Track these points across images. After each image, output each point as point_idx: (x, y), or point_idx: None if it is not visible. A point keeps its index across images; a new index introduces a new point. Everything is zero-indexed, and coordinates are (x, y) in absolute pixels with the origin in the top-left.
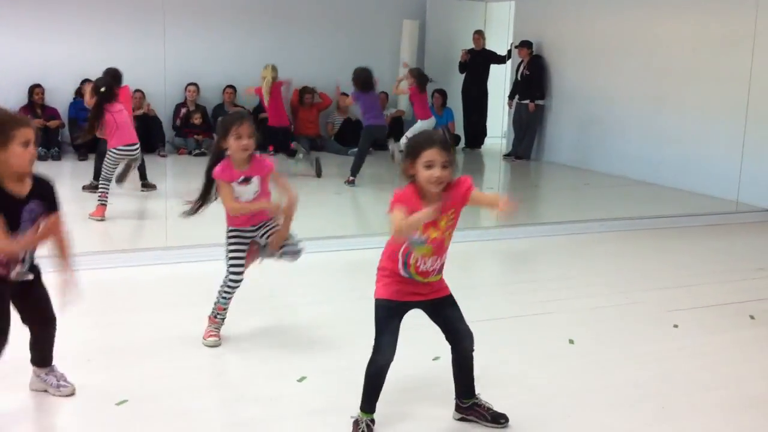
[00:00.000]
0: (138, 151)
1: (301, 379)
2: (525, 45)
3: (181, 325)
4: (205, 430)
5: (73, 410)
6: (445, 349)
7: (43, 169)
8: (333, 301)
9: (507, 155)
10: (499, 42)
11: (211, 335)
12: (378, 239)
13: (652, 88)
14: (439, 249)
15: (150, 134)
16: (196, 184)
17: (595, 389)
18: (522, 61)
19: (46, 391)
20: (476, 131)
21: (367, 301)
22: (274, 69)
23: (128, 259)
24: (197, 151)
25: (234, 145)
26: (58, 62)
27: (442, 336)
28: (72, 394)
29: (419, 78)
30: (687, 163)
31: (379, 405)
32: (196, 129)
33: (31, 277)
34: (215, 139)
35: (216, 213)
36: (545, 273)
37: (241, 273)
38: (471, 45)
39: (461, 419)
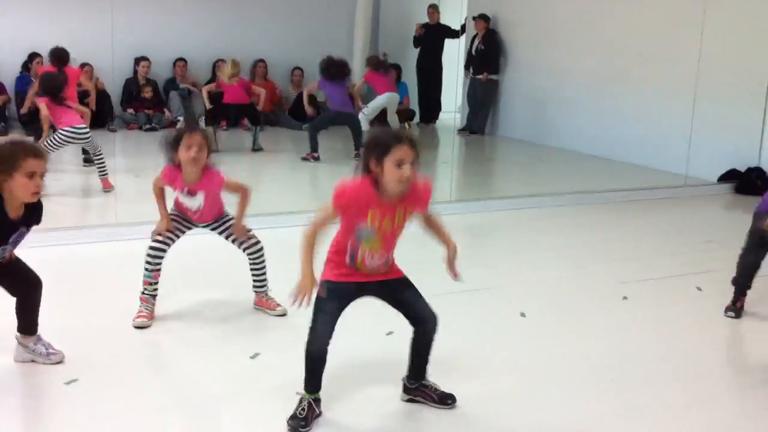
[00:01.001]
0: (87, 134)
1: (254, 356)
2: (482, 18)
3: (132, 302)
4: (157, 408)
5: (22, 390)
6: (399, 324)
7: None
8: (286, 278)
9: (461, 130)
10: (453, 16)
11: (139, 316)
12: None
13: (605, 65)
14: (387, 244)
15: (99, 109)
16: (146, 160)
17: (546, 362)
18: (476, 35)
19: (33, 361)
20: (431, 106)
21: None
22: (236, 65)
23: (77, 237)
24: (147, 126)
25: (184, 156)
26: (4, 36)
27: (393, 310)
28: (61, 361)
29: (375, 65)
30: (638, 139)
31: (328, 383)
32: (147, 103)
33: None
34: (168, 153)
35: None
36: (498, 247)
37: (162, 244)
38: (425, 19)
39: (409, 400)
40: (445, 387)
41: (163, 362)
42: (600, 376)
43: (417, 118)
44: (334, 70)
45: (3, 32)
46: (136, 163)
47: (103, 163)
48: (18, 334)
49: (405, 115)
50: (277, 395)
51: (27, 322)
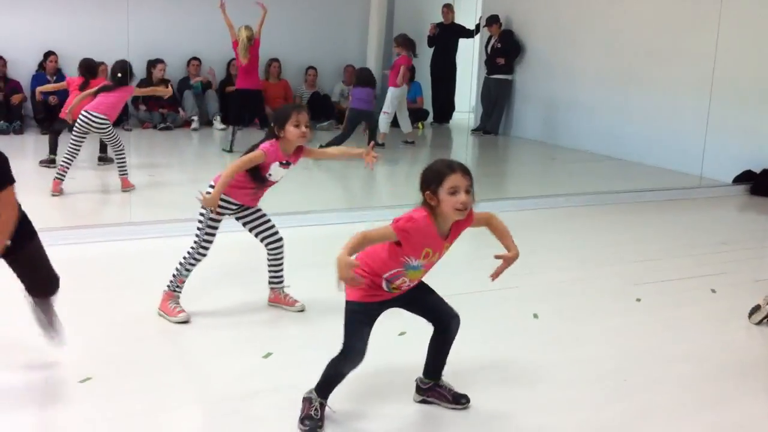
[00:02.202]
0: (107, 126)
1: (266, 356)
2: (493, 21)
3: (145, 301)
4: (170, 407)
5: (36, 387)
6: (411, 324)
7: (5, 143)
8: (300, 277)
9: (475, 130)
10: (467, 16)
11: (179, 311)
12: (345, 214)
13: (620, 64)
14: (427, 271)
15: None
16: (161, 158)
17: (559, 363)
18: (491, 36)
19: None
20: (444, 106)
21: (327, 277)
22: (248, 29)
23: (92, 235)
24: (162, 125)
25: (293, 132)
26: (20, 35)
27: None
28: (58, 344)
29: (409, 44)
30: (652, 139)
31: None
32: (162, 102)
33: (8, 243)
34: (271, 133)
35: (180, 190)
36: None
37: (209, 249)
38: (440, 19)
39: (422, 401)
40: (457, 387)
41: (176, 361)
42: (613, 377)
43: (430, 118)
44: (365, 75)
45: (19, 32)
46: (151, 161)
47: (124, 162)
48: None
49: (418, 115)
50: (288, 395)
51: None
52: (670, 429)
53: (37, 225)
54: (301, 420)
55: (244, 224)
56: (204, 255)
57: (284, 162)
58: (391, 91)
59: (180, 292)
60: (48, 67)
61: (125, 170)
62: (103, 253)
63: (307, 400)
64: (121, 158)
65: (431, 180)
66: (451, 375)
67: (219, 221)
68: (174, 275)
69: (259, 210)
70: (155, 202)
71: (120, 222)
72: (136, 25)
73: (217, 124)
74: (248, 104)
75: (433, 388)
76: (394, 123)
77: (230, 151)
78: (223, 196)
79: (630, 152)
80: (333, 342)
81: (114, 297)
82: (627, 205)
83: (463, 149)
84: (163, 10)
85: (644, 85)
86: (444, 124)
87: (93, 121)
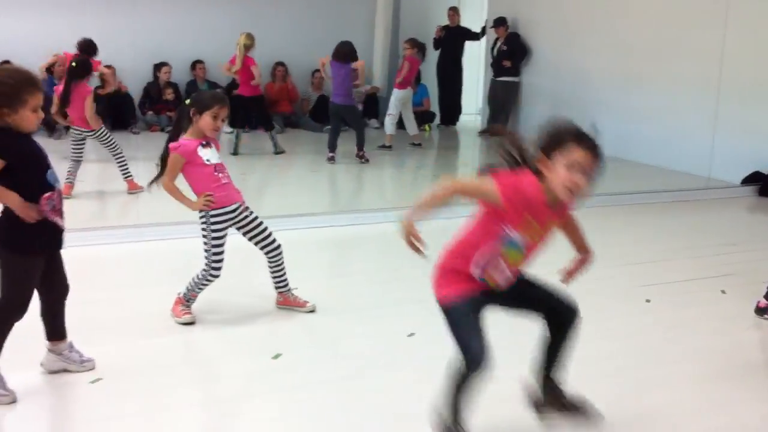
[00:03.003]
0: (93, 134)
1: (276, 357)
2: (501, 23)
3: (153, 302)
4: (178, 407)
5: (46, 389)
6: (420, 325)
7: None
8: (308, 279)
9: (482, 132)
10: (473, 18)
11: (185, 313)
12: (353, 216)
13: (626, 64)
14: (528, 259)
15: (122, 111)
16: None
17: (569, 363)
18: (498, 38)
19: (65, 371)
20: (451, 108)
21: (343, 278)
22: (249, 37)
23: (99, 237)
24: (170, 128)
25: (209, 124)
26: (26, 38)
27: (416, 310)
28: (93, 368)
29: (420, 46)
30: (660, 140)
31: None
32: (169, 105)
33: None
34: (185, 111)
35: (186, 193)
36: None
37: (221, 268)
38: (446, 21)
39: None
40: None
41: (184, 362)
42: (622, 378)
43: (437, 120)
44: (347, 49)
45: (25, 35)
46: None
47: (124, 164)
48: (48, 343)
49: (425, 117)
50: (297, 395)
51: (55, 326)
52: (679, 429)
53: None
54: None
55: (243, 234)
56: (216, 275)
57: (204, 143)
58: (395, 93)
59: (192, 303)
60: (56, 71)
61: (128, 173)
62: (111, 254)
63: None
64: (120, 161)
65: (553, 141)
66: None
67: (223, 237)
68: (188, 288)
69: (255, 219)
70: (162, 204)
71: (128, 224)
72: (142, 28)
73: (224, 127)
74: (249, 109)
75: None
76: (400, 125)
77: (235, 153)
78: (216, 212)
79: (637, 153)
80: (343, 341)
81: (121, 297)
82: (635, 206)
83: (470, 151)
84: (167, 13)
85: (652, 85)
86: (451, 126)
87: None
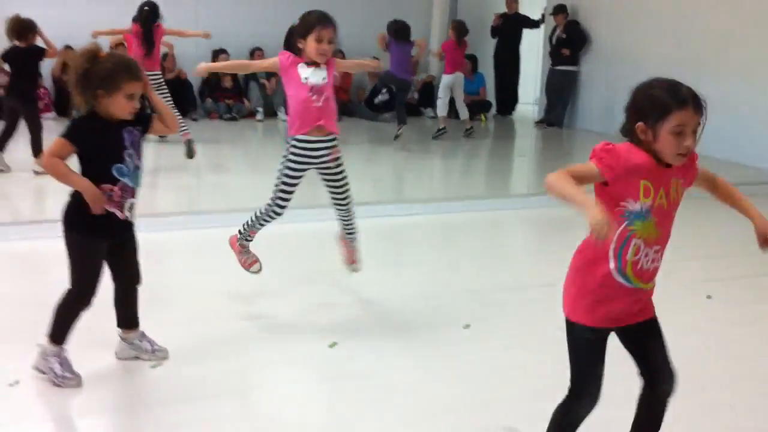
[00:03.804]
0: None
1: (332, 345)
2: (560, 10)
3: (219, 289)
4: (238, 393)
5: (116, 372)
6: (475, 317)
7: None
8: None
9: (539, 122)
10: (532, 6)
11: (252, 262)
12: (412, 206)
13: (690, 52)
14: (665, 229)
15: (181, 98)
16: (227, 149)
17: (625, 359)
18: (556, 26)
19: (137, 358)
20: (508, 97)
21: (391, 268)
22: None
23: (164, 224)
24: (228, 116)
25: (313, 49)
26: (86, 24)
27: (473, 302)
28: (166, 358)
29: (458, 30)
30: (723, 131)
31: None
32: (228, 93)
33: (133, 220)
34: (292, 43)
35: (245, 181)
36: (576, 242)
37: (287, 204)
38: (504, 9)
39: None
40: (505, 384)
41: (241, 349)
42: (681, 374)
43: (493, 110)
44: (402, 26)
45: (85, 22)
46: (216, 152)
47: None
48: (120, 330)
49: (481, 106)
50: (348, 383)
51: (128, 315)
52: (740, 427)
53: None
54: None
55: (322, 178)
56: (280, 212)
57: (309, 62)
58: (442, 78)
59: (251, 241)
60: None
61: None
62: (172, 240)
63: None
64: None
65: (650, 110)
66: (505, 370)
67: (299, 170)
68: (246, 225)
69: (340, 173)
70: (220, 193)
71: (188, 211)
72: (204, 16)
73: (281, 114)
74: None
75: None
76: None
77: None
78: (299, 138)
79: (701, 145)
80: (391, 331)
81: (182, 284)
82: (696, 200)
83: (526, 141)
84: (227, 1)
85: (714, 72)
86: (507, 115)
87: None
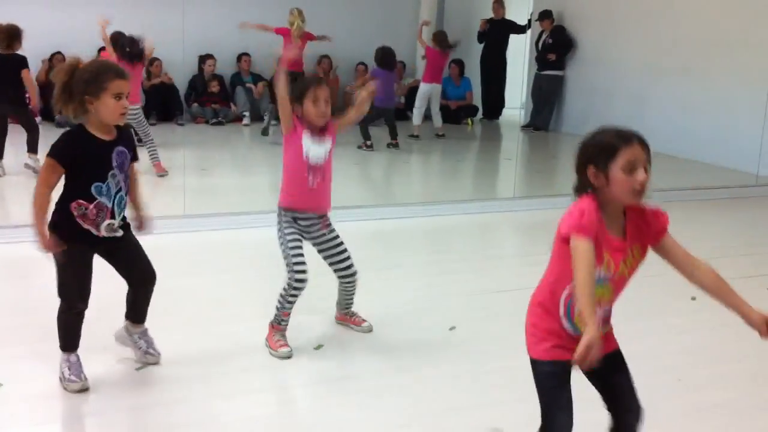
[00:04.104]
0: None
1: (318, 347)
2: (546, 16)
3: (211, 291)
4: (217, 395)
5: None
6: (462, 319)
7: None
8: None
9: (525, 126)
10: (519, 12)
11: (282, 345)
12: (399, 209)
13: (674, 59)
14: (617, 290)
15: (167, 103)
16: (213, 153)
17: None
18: (543, 31)
19: (128, 348)
20: (494, 102)
21: (377, 271)
22: (301, 14)
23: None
24: (214, 120)
25: (311, 112)
26: (78, 30)
27: (459, 305)
28: (156, 363)
29: (438, 42)
30: (707, 135)
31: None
32: (214, 97)
33: (120, 233)
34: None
35: (232, 184)
36: None
37: (305, 271)
38: (490, 14)
39: None
40: (491, 388)
41: (225, 352)
42: (667, 376)
43: (480, 114)
44: (388, 55)
45: (76, 26)
46: (202, 155)
47: (153, 146)
48: (125, 320)
49: (468, 111)
50: (340, 386)
51: (135, 311)
52: (726, 429)
53: None
54: None
55: (319, 250)
56: (301, 282)
57: (311, 129)
58: (421, 86)
59: (285, 325)
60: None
61: (156, 155)
62: (158, 244)
63: None
64: (150, 143)
65: (598, 153)
66: (498, 367)
67: (299, 240)
68: (276, 308)
69: (335, 238)
70: (209, 195)
71: (173, 215)
72: (190, 21)
73: (267, 118)
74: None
75: None
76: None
77: (265, 134)
78: (284, 209)
79: (683, 149)
80: (376, 333)
81: (174, 287)
82: (680, 203)
83: (513, 145)
84: (216, 6)
85: (699, 79)
86: (494, 120)
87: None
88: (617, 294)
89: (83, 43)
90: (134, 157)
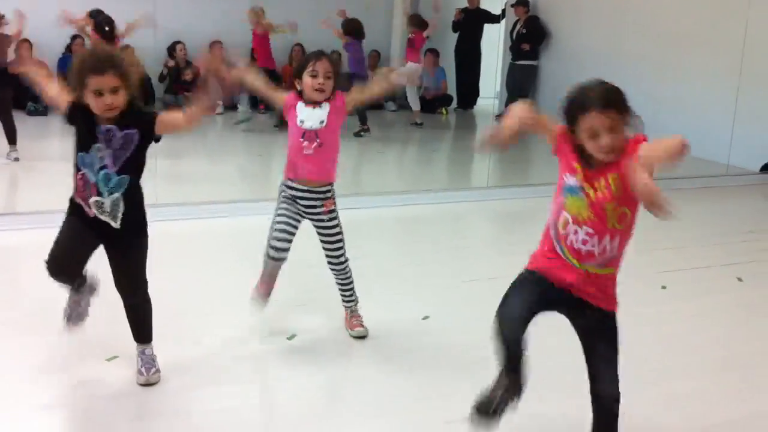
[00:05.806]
0: None
1: (291, 338)
2: (521, 3)
3: (175, 282)
4: (192, 386)
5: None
6: (435, 309)
7: (32, 124)
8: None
9: (499, 116)
10: (493, 1)
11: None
12: (372, 198)
13: (647, 51)
14: (599, 218)
15: (140, 92)
16: (187, 142)
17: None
18: (518, 20)
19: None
20: (469, 91)
21: (350, 261)
22: (262, 11)
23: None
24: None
25: (308, 85)
26: (48, 18)
27: (432, 294)
28: (146, 384)
29: (418, 24)
30: (679, 127)
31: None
32: (187, 86)
33: (114, 224)
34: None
35: (201, 171)
36: (534, 234)
37: (278, 247)
38: (465, 4)
39: None
40: (465, 376)
41: (197, 344)
42: (639, 366)
43: (454, 104)
44: (359, 25)
45: (46, 14)
46: (176, 145)
47: None
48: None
49: (443, 100)
50: (314, 376)
51: (132, 328)
52: (699, 418)
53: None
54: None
55: (317, 233)
56: (272, 253)
57: (309, 102)
58: (409, 65)
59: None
60: (75, 49)
61: None
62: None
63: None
64: None
65: (564, 117)
66: (470, 359)
67: (287, 222)
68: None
69: (333, 227)
70: (180, 184)
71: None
72: (162, 7)
73: (242, 107)
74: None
75: None
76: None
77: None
78: (284, 182)
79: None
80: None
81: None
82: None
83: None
84: None
85: (671, 72)
86: (468, 109)
87: None
88: (601, 224)
89: (52, 31)
90: (146, 135)
